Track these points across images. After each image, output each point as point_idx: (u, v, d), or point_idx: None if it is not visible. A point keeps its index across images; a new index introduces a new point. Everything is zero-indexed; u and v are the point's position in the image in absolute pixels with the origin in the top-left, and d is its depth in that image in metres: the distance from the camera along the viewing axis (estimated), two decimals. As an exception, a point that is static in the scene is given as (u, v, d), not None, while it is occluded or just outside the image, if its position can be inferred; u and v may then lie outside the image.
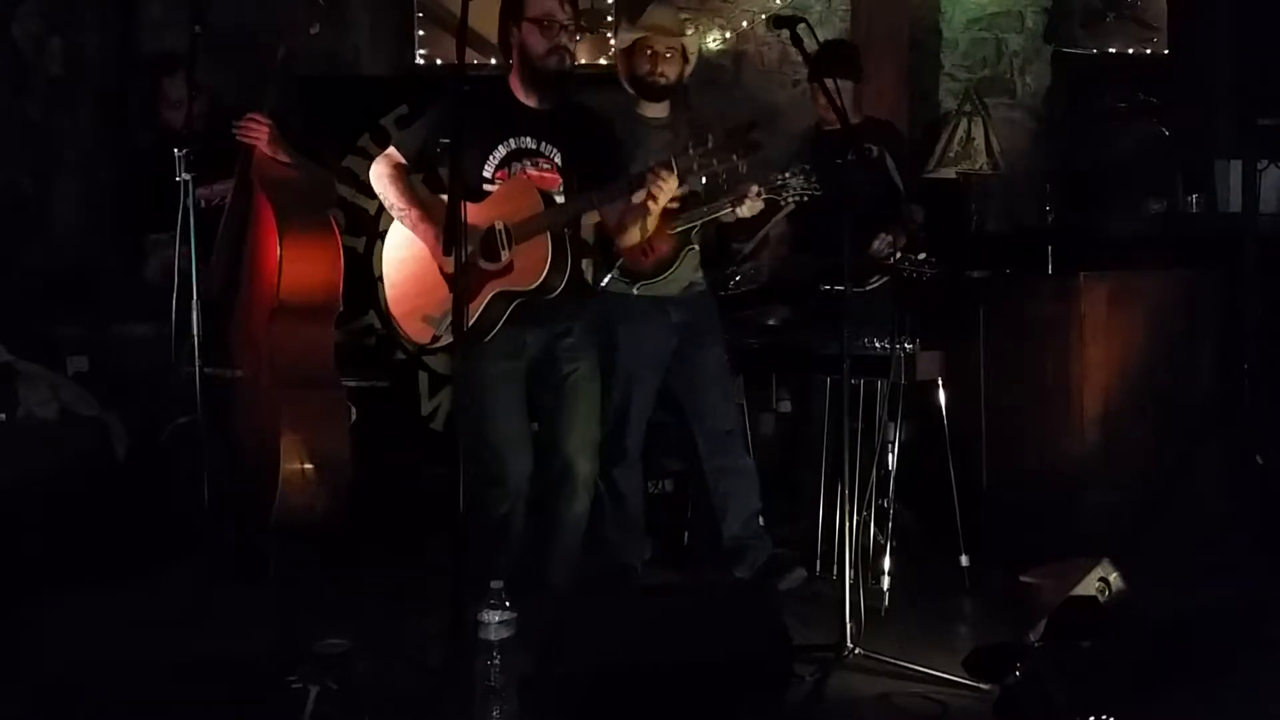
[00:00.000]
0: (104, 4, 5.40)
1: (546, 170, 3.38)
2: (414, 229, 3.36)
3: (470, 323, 3.22)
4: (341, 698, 2.71)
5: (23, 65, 5.21)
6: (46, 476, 3.94)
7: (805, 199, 3.53)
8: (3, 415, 3.99)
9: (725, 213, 3.61)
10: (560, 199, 3.34)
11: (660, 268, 3.71)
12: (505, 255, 3.24)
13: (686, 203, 3.65)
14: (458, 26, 2.97)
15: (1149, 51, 5.79)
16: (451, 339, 3.12)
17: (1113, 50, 5.87)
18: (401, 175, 3.40)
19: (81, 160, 5.34)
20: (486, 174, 3.35)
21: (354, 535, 3.81)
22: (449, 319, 3.10)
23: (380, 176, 3.41)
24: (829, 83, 3.49)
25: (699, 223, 3.69)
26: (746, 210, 3.57)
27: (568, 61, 3.35)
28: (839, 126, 4.21)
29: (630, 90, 3.84)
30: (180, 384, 3.53)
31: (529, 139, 3.39)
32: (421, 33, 5.53)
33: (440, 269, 3.31)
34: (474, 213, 3.14)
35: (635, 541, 3.89)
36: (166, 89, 4.03)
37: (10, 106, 5.16)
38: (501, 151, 3.36)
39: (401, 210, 3.38)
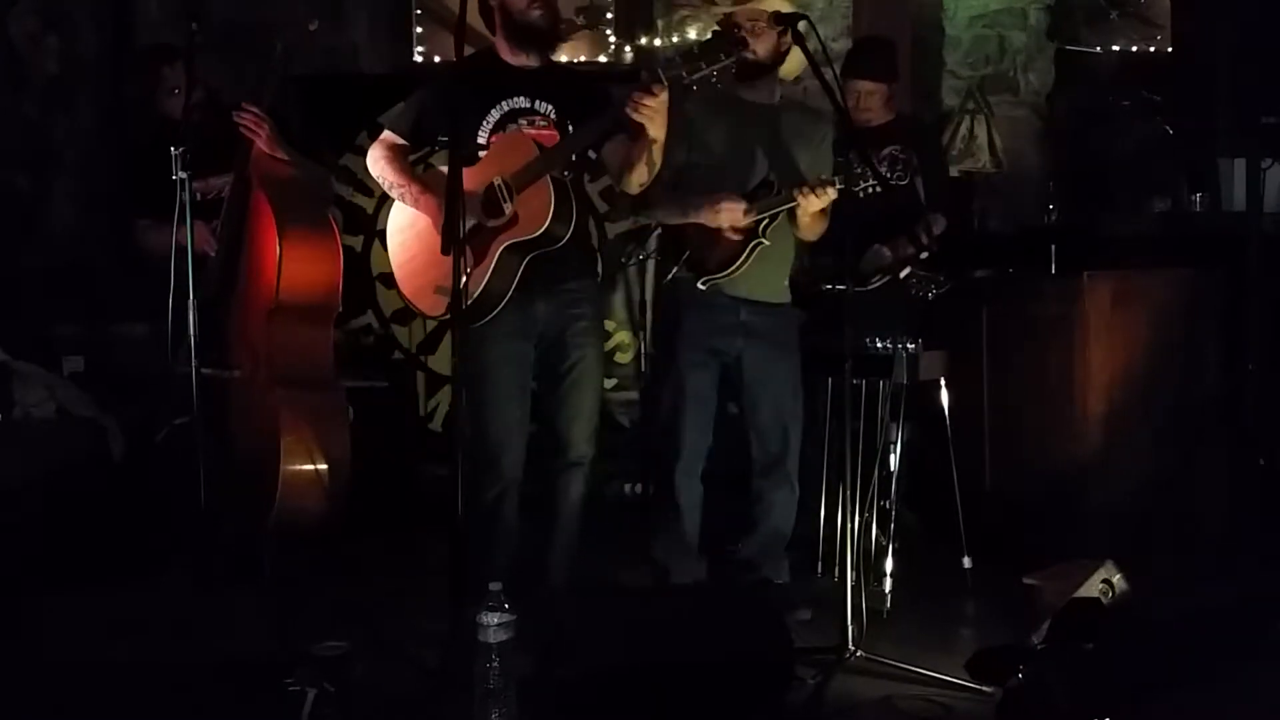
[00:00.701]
0: (101, 1, 5.39)
1: (544, 127, 3.33)
2: (415, 204, 3.33)
3: (483, 285, 3.21)
4: (339, 700, 2.69)
5: (19, 63, 5.20)
6: (43, 477, 3.94)
7: (876, 190, 3.37)
8: (-1, 415, 3.99)
9: (796, 204, 3.42)
10: None
11: (725, 263, 3.51)
12: (508, 208, 3.20)
13: (756, 192, 3.50)
14: (456, 23, 2.96)
15: (1152, 49, 5.78)
16: (467, 304, 3.07)
17: (1116, 48, 5.85)
18: (399, 154, 3.38)
19: (78, 159, 5.33)
20: (481, 139, 3.31)
21: (352, 536, 3.80)
22: (462, 285, 3.03)
23: (377, 159, 3.38)
24: (830, 81, 3.37)
25: (768, 215, 3.48)
26: (819, 201, 3.36)
27: (550, 14, 3.31)
28: (873, 125, 4.21)
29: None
30: (177, 384, 3.51)
31: (522, 99, 3.34)
32: (420, 30, 5.51)
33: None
34: (471, 176, 3.12)
35: (683, 561, 3.65)
36: (166, 77, 4.00)
37: (7, 105, 5.15)
38: (495, 115, 3.32)
39: (401, 188, 3.35)
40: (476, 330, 3.21)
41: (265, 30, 3.77)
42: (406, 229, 3.41)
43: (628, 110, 3.10)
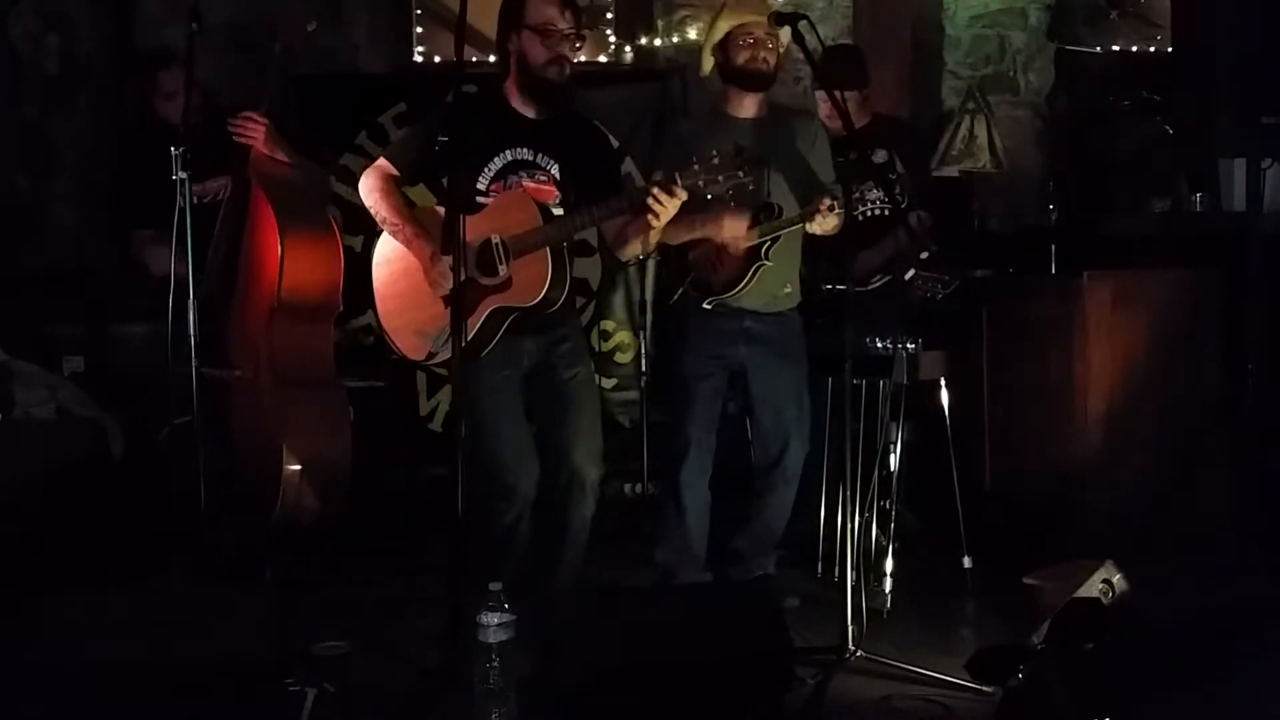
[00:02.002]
0: (101, 1, 5.39)
1: (544, 183, 3.29)
2: (408, 245, 3.25)
3: (468, 339, 3.13)
4: (339, 700, 2.70)
5: (19, 63, 5.20)
6: (43, 477, 3.94)
7: (885, 212, 3.43)
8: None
9: (796, 228, 3.48)
10: (558, 211, 3.25)
11: (730, 284, 3.56)
12: (503, 270, 3.16)
13: (759, 216, 3.52)
14: (456, 24, 2.95)
15: (1152, 49, 5.77)
16: (448, 355, 3.04)
17: (1116, 48, 5.85)
18: (393, 189, 3.30)
19: (78, 159, 5.34)
20: (481, 186, 3.25)
21: (352, 536, 3.80)
22: (445, 335, 3.03)
23: (371, 190, 3.29)
24: (837, 97, 3.39)
25: (769, 238, 3.51)
26: (818, 226, 3.40)
27: (567, 71, 3.25)
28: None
29: (725, 84, 3.65)
30: (177, 384, 3.51)
31: (525, 150, 3.29)
32: (420, 30, 5.51)
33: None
34: (469, 226, 3.03)
35: (690, 564, 3.69)
36: (162, 82, 4.00)
37: (7, 105, 5.16)
38: (497, 164, 3.26)
39: (394, 225, 3.27)
40: (468, 369, 3.13)
41: (265, 31, 3.76)
42: (394, 262, 3.34)
43: (648, 205, 3.08)
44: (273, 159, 3.70)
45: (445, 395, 5.11)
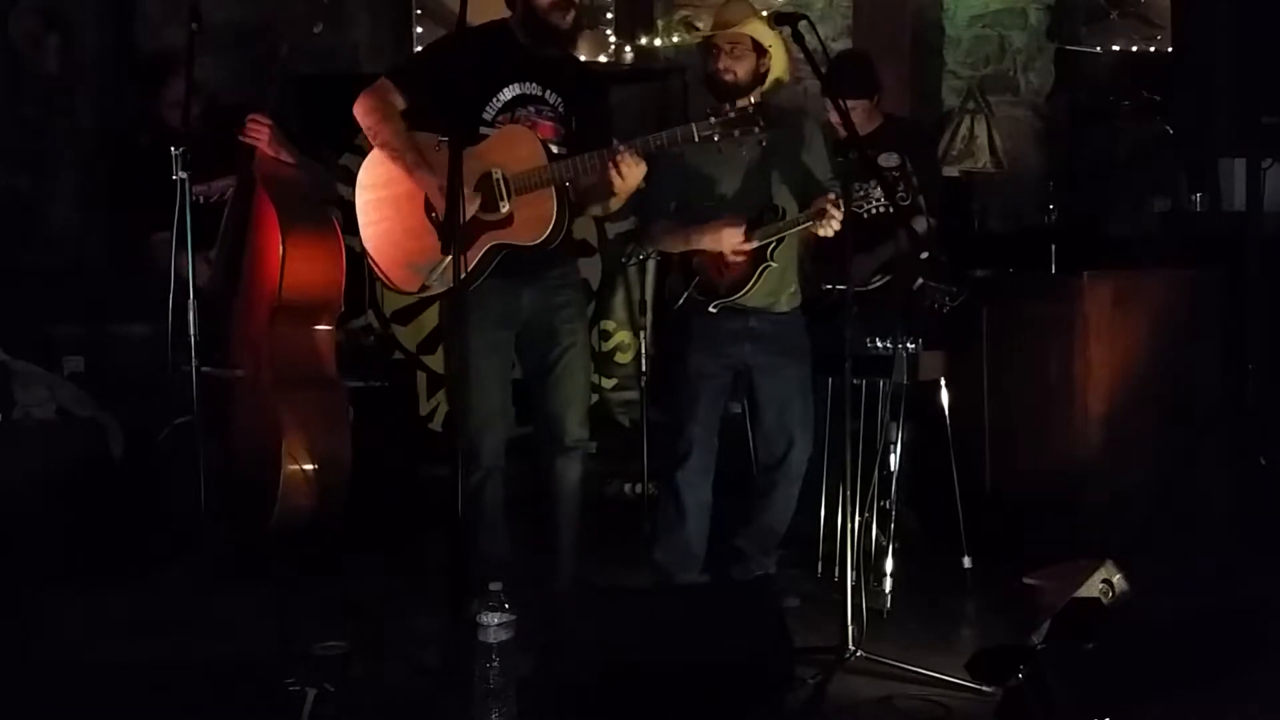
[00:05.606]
0: (102, 2, 5.39)
1: (549, 118, 3.27)
2: (409, 173, 3.20)
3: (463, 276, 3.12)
4: (339, 700, 2.70)
5: (19, 63, 5.20)
6: (43, 477, 3.93)
7: (889, 210, 3.43)
8: (-1, 415, 3.99)
9: (802, 229, 3.48)
10: (556, 149, 3.22)
11: (735, 286, 3.57)
12: (505, 206, 3.13)
13: (762, 218, 3.53)
14: (456, 24, 2.95)
15: (1152, 49, 5.79)
16: (441, 288, 3.05)
17: (1116, 48, 5.86)
18: (394, 112, 3.26)
19: (78, 159, 5.34)
20: (487, 117, 3.23)
21: (352, 536, 3.80)
22: (437, 268, 3.02)
23: (371, 110, 3.26)
24: (840, 103, 3.39)
25: (774, 239, 3.52)
26: (825, 227, 3.39)
27: (571, 17, 3.24)
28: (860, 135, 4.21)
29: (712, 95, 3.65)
30: (177, 384, 3.51)
31: (534, 85, 3.27)
32: (420, 30, 5.52)
33: (436, 218, 3.17)
34: (469, 156, 3.02)
35: (689, 565, 3.68)
36: (171, 89, 3.99)
37: (7, 105, 5.16)
38: (506, 95, 3.24)
39: (394, 150, 3.22)
40: (459, 317, 3.12)
41: (267, 31, 3.76)
42: (379, 188, 3.28)
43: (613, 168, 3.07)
44: (277, 159, 3.71)
45: (444, 396, 5.12)
